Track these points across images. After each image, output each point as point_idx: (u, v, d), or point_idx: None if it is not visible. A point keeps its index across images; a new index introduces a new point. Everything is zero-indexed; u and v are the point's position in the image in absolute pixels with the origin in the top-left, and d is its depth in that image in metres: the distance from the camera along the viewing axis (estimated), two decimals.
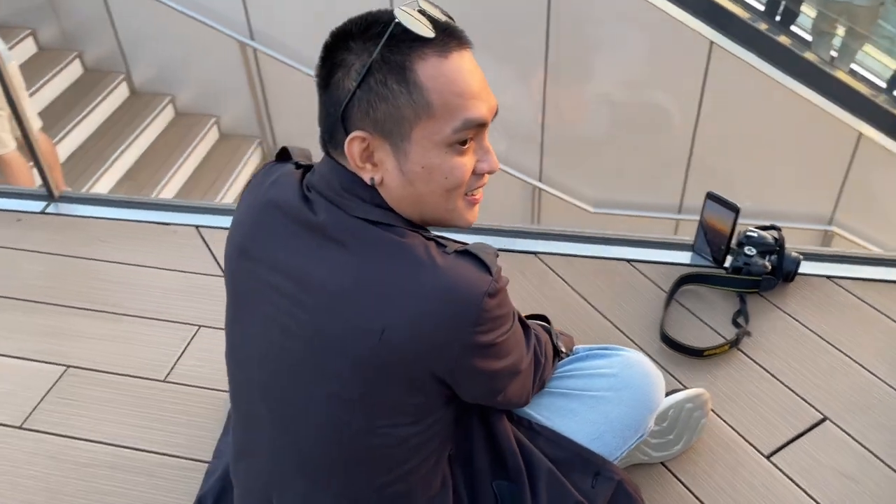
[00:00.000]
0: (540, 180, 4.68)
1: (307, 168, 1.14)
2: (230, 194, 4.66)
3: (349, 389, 1.04)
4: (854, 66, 4.55)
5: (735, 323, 1.90)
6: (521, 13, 4.17)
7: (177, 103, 5.05)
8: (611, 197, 4.60)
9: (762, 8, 4.51)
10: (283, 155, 1.20)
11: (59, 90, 4.73)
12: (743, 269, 1.95)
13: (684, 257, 2.09)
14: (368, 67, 0.98)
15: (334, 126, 1.04)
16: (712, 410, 1.68)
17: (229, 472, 1.33)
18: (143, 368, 1.85)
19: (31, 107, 3.53)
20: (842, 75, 4.20)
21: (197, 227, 2.27)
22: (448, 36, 1.01)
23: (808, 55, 4.22)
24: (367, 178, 1.04)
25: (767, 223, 2.01)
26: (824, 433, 1.66)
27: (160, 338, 1.92)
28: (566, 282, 2.04)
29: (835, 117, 3.95)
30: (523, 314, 1.23)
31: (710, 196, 2.01)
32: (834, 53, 4.66)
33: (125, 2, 4.80)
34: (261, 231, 1.11)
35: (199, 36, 4.60)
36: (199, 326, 1.95)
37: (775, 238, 1.97)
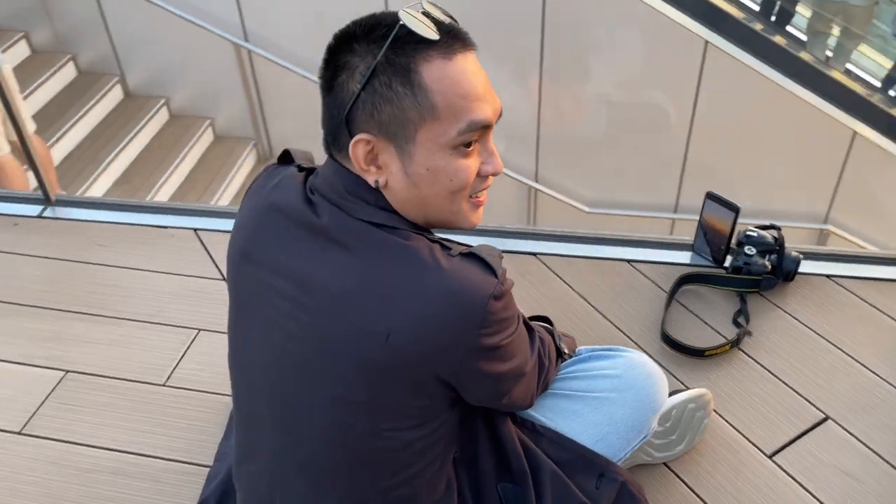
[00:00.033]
0: (536, 180, 4.68)
1: (310, 171, 1.13)
2: (225, 196, 4.65)
3: (354, 392, 1.04)
4: (849, 66, 4.57)
5: (736, 323, 1.90)
6: (520, 13, 4.17)
7: (171, 105, 5.04)
8: (606, 197, 4.60)
9: (756, 8, 4.53)
10: (286, 157, 1.20)
11: (52, 93, 4.71)
12: (743, 268, 1.95)
13: (684, 257, 2.09)
14: (373, 70, 0.98)
15: (338, 128, 1.03)
16: (714, 410, 1.68)
17: (231, 476, 1.33)
18: (142, 373, 1.84)
19: (26, 110, 3.51)
20: (837, 75, 4.22)
21: (195, 230, 2.26)
22: (452, 38, 1.00)
23: (804, 55, 4.23)
24: (371, 180, 1.04)
25: (766, 222, 2.02)
26: (826, 432, 1.66)
27: (159, 342, 1.92)
28: (566, 283, 2.04)
29: (830, 116, 3.97)
30: (525, 315, 1.23)
31: (710, 196, 2.00)
32: (829, 53, 4.68)
33: (119, 4, 4.78)
34: (263, 234, 1.10)
35: (194, 38, 4.59)
36: (199, 330, 1.94)
37: (775, 237, 1.97)
